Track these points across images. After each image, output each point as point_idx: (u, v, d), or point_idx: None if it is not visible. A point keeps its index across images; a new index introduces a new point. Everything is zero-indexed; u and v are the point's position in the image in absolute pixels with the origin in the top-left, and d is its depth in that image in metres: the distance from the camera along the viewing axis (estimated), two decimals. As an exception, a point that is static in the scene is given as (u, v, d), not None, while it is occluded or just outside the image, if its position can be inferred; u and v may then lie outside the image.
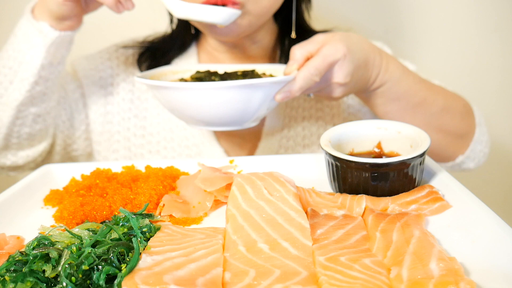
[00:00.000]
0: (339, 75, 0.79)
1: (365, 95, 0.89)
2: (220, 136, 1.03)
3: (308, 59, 0.79)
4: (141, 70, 1.05)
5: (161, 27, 1.11)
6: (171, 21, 1.07)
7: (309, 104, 1.07)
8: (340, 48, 0.78)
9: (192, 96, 0.74)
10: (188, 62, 1.07)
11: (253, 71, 0.90)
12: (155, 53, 1.06)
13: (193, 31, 1.06)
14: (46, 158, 1.04)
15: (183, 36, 1.07)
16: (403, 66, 0.88)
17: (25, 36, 0.87)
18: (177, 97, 0.75)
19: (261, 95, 0.75)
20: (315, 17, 1.11)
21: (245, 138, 1.04)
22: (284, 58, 1.07)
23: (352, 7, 1.47)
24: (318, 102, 1.07)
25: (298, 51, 0.80)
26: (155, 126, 1.05)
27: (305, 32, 1.05)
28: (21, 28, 0.88)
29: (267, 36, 1.05)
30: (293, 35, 1.04)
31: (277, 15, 1.05)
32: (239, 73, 0.88)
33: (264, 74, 0.91)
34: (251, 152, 1.04)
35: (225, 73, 0.89)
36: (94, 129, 1.06)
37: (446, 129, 0.94)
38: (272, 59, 1.09)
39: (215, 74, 0.89)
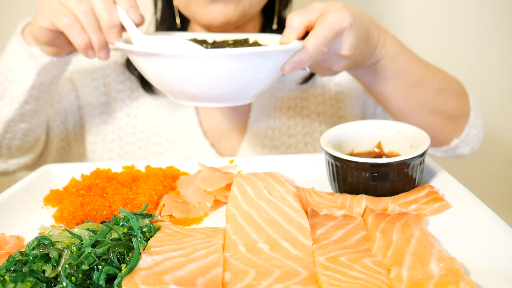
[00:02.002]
0: (345, 47, 0.73)
1: (360, 71, 0.85)
2: (207, 130, 1.04)
3: (307, 28, 0.73)
4: (129, 69, 1.06)
5: (152, 28, 1.11)
6: (155, 12, 1.07)
7: (294, 94, 1.06)
8: (346, 17, 0.71)
9: (191, 65, 0.63)
10: None
11: (246, 40, 0.81)
12: None
13: (178, 22, 1.04)
14: (39, 161, 1.04)
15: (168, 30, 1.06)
16: (400, 43, 0.85)
17: (16, 56, 0.84)
18: (171, 67, 0.64)
19: (270, 65, 0.66)
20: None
21: (231, 130, 1.05)
22: None
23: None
24: (303, 92, 1.07)
25: (296, 18, 0.73)
26: (144, 123, 1.05)
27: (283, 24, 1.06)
28: (11, 46, 0.85)
29: (253, 29, 1.05)
30: (275, 26, 1.04)
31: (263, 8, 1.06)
32: (230, 42, 0.80)
33: (256, 43, 0.82)
34: (237, 144, 1.04)
35: (214, 42, 0.81)
36: (89, 130, 1.07)
37: (442, 110, 0.92)
38: None
39: (205, 42, 0.80)
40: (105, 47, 0.76)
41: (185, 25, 1.07)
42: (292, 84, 1.07)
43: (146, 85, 1.04)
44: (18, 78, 0.84)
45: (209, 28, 0.97)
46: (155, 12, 1.06)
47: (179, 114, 1.04)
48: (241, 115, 1.05)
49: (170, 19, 1.04)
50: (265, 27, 1.07)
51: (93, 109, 1.06)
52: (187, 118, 1.03)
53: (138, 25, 0.75)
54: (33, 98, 0.86)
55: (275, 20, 1.03)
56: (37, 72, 0.82)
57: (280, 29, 1.03)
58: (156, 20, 1.06)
